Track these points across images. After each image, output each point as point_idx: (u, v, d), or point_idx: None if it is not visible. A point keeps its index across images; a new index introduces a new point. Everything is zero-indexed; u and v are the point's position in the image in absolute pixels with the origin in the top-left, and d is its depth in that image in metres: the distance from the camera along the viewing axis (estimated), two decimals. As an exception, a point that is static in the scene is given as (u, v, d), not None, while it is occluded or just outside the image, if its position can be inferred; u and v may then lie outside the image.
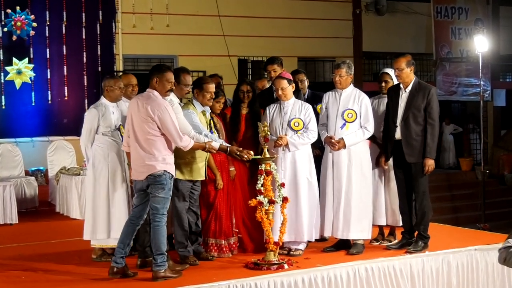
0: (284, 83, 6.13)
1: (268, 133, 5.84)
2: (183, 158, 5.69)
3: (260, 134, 5.83)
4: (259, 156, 5.71)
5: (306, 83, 6.99)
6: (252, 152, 5.66)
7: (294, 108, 6.16)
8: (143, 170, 5.22)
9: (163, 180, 5.19)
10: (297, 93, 6.57)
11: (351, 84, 6.32)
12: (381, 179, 6.54)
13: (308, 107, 6.17)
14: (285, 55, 6.92)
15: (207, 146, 5.50)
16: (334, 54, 14.94)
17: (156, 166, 5.18)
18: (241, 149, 5.66)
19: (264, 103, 6.44)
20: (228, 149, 5.63)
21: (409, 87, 6.16)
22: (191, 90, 5.86)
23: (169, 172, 5.24)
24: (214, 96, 5.91)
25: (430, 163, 6.05)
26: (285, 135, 6.08)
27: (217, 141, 5.65)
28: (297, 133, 6.08)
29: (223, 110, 6.41)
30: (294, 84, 6.24)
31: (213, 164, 6.02)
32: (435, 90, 6.17)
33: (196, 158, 5.76)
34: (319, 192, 6.21)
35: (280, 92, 6.14)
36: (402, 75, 6.18)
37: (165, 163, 5.22)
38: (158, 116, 5.16)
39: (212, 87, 5.87)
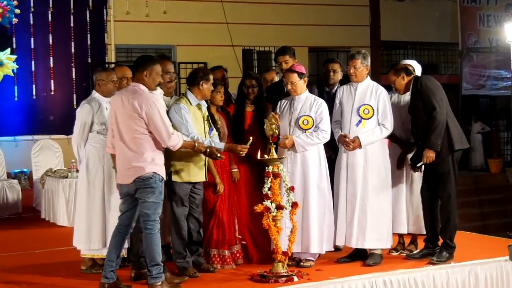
0: (294, 77, 6.15)
1: (276, 131, 5.86)
2: (180, 159, 5.70)
3: (266, 132, 5.84)
4: (266, 157, 5.71)
5: (339, 76, 6.97)
6: (246, 146, 5.69)
7: (305, 104, 6.18)
8: (129, 173, 5.19)
9: (152, 183, 5.16)
10: (322, 85, 6.58)
11: (368, 76, 6.33)
12: (402, 182, 6.55)
13: (321, 103, 6.17)
14: (295, 44, 6.91)
15: (196, 144, 5.49)
16: (349, 44, 14.92)
17: (145, 167, 5.16)
18: (235, 145, 5.75)
19: (274, 98, 6.47)
20: (225, 147, 5.71)
21: (410, 89, 6.27)
22: (175, 78, 5.90)
23: (159, 174, 5.21)
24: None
25: (427, 155, 6.06)
26: (291, 134, 6.11)
27: (205, 141, 5.66)
28: (305, 132, 6.09)
29: (226, 107, 6.43)
30: (306, 78, 6.25)
31: (213, 166, 6.03)
32: (424, 78, 6.24)
33: (195, 158, 5.76)
34: (333, 196, 6.22)
35: (290, 87, 6.16)
36: (397, 86, 6.39)
37: (154, 164, 5.20)
38: (146, 112, 5.13)
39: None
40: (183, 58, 13.24)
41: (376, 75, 13.10)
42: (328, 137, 6.13)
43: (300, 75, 6.17)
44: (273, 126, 5.83)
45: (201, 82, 5.81)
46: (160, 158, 5.28)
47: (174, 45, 13.67)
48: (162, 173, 5.27)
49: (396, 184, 6.48)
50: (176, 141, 5.30)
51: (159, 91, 5.74)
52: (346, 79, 6.53)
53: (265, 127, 5.88)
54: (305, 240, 6.04)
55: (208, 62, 12.19)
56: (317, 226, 6.06)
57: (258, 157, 5.70)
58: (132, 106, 5.15)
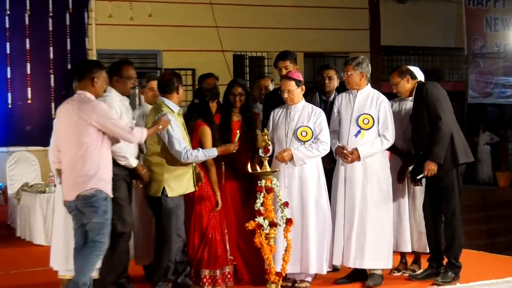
0: (292, 84, 6.17)
1: (269, 142, 5.86)
2: (170, 172, 5.78)
3: (259, 144, 5.84)
4: (258, 170, 5.69)
5: (336, 83, 7.01)
6: (235, 143, 5.87)
7: (303, 114, 6.20)
8: (73, 189, 5.19)
9: (94, 202, 5.14)
10: (318, 93, 6.61)
11: (368, 84, 6.37)
12: (404, 196, 6.58)
13: (320, 113, 6.20)
14: (289, 50, 6.90)
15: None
16: (347, 49, 14.96)
17: (87, 183, 5.14)
18: (227, 145, 5.92)
19: (273, 107, 6.46)
20: (218, 151, 5.91)
21: (411, 97, 6.31)
22: (136, 83, 6.04)
23: (102, 191, 5.19)
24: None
25: (429, 167, 6.08)
26: (288, 146, 6.12)
27: (194, 152, 5.83)
28: (304, 144, 6.12)
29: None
30: (304, 86, 6.27)
31: (215, 178, 6.11)
32: (430, 85, 6.25)
33: (186, 168, 5.86)
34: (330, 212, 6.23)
35: (286, 95, 6.18)
36: (400, 90, 6.40)
37: (98, 179, 5.17)
38: (97, 121, 5.16)
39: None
40: (169, 64, 13.22)
41: (376, 82, 13.10)
42: (328, 149, 6.16)
43: (298, 82, 6.19)
44: (266, 137, 5.81)
45: (178, 87, 5.90)
46: (106, 172, 5.25)
47: (160, 50, 13.67)
48: (108, 189, 5.24)
49: (398, 198, 6.50)
50: (139, 135, 5.38)
51: (117, 97, 5.78)
52: (343, 87, 6.57)
53: (257, 138, 5.86)
54: (304, 260, 6.05)
55: (196, 68, 12.25)
56: (316, 245, 6.07)
57: (250, 170, 5.70)
58: (78, 116, 5.17)
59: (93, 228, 5.15)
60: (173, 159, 5.76)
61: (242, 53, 14.57)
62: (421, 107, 6.16)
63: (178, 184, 5.80)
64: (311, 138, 6.12)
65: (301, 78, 6.27)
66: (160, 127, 5.60)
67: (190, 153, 5.73)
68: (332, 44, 15.25)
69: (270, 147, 5.97)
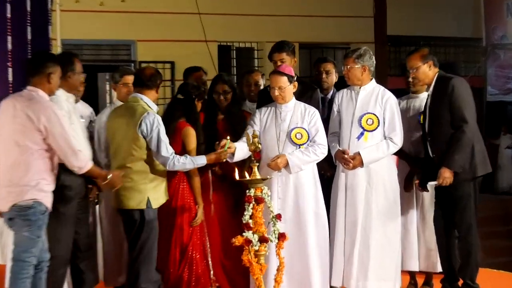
0: (283, 80, 6.17)
1: (259, 146, 5.84)
2: (153, 181, 5.84)
3: (248, 148, 5.85)
4: (247, 178, 5.70)
5: (334, 78, 7.07)
6: (224, 150, 5.88)
7: (295, 113, 6.23)
8: (8, 198, 5.16)
9: (30, 215, 5.12)
10: (316, 90, 6.65)
11: (372, 79, 6.41)
12: (412, 207, 6.62)
13: (314, 112, 6.24)
14: (282, 40, 6.90)
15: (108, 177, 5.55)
16: (348, 39, 14.99)
17: (26, 193, 5.12)
18: (216, 153, 5.91)
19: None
20: (207, 159, 5.89)
21: (431, 88, 6.30)
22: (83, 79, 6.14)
23: (42, 204, 5.19)
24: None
25: (445, 175, 6.09)
26: (282, 151, 6.15)
27: (181, 159, 5.86)
28: (299, 147, 6.14)
29: None
30: (296, 83, 6.28)
31: (199, 188, 6.19)
32: (458, 81, 6.25)
33: (162, 176, 5.92)
34: (329, 226, 6.27)
35: (277, 93, 6.19)
36: (420, 76, 6.33)
37: (39, 190, 5.16)
38: (45, 125, 5.16)
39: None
40: (145, 56, 13.21)
41: (382, 77, 13.11)
42: (326, 152, 6.19)
43: (290, 78, 6.19)
44: (256, 139, 5.80)
45: (159, 85, 5.96)
46: (48, 183, 5.26)
47: (134, 41, 13.58)
48: (47, 202, 5.24)
49: (405, 209, 6.55)
50: (83, 162, 5.35)
51: (64, 96, 5.82)
52: (343, 82, 6.62)
53: (246, 141, 5.87)
54: (305, 283, 6.08)
55: (175, 61, 12.21)
56: (319, 265, 6.11)
57: (237, 177, 5.69)
58: (26, 116, 5.15)
59: (21, 242, 5.11)
60: (155, 166, 5.82)
61: (228, 44, 14.54)
62: (442, 104, 6.14)
63: (158, 193, 5.88)
64: (307, 140, 6.15)
65: (293, 73, 6.28)
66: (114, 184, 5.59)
67: (177, 160, 5.77)
68: (331, 33, 15.21)
69: (262, 151, 6.05)
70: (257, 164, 5.74)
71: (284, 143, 6.15)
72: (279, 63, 6.54)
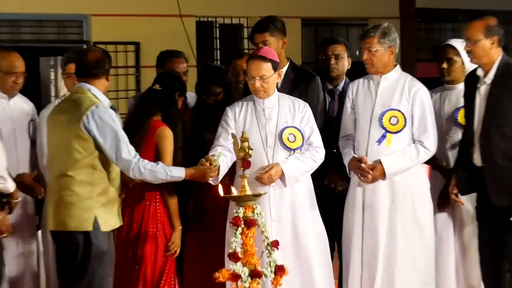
0: (266, 68, 6.12)
1: (250, 152, 5.79)
2: (101, 195, 5.80)
3: (236, 154, 5.86)
4: (235, 193, 5.68)
5: (346, 65, 7.09)
6: (215, 167, 5.93)
7: (282, 109, 6.24)
8: None
9: None
10: (314, 79, 6.64)
11: (397, 65, 6.42)
12: (449, 231, 6.61)
13: (305, 106, 6.25)
14: (280, 15, 6.82)
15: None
16: (365, 14, 15.05)
17: None
18: (201, 168, 5.93)
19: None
20: (187, 174, 5.94)
21: (491, 74, 6.18)
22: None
23: None
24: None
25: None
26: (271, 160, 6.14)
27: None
28: (293, 152, 6.12)
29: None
30: (281, 71, 6.34)
31: (176, 208, 6.20)
32: None
33: (116, 191, 5.94)
34: (340, 255, 6.49)
35: (258, 84, 6.13)
36: (477, 52, 6.16)
37: None
38: None
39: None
40: (101, 36, 13.13)
41: (409, 62, 13.19)
42: (323, 157, 6.21)
43: (275, 65, 6.16)
44: (246, 144, 5.77)
45: (109, 71, 5.95)
46: None
47: (87, 15, 13.54)
48: None
49: (440, 234, 6.57)
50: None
51: None
52: (358, 70, 6.59)
53: (233, 147, 5.79)
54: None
55: (141, 41, 12.16)
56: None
57: (221, 193, 5.73)
58: None
59: None
60: (106, 176, 5.79)
61: (210, 20, 14.58)
62: (507, 98, 6.06)
63: (110, 213, 5.86)
64: (301, 143, 6.16)
65: (277, 59, 6.25)
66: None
67: (145, 165, 5.72)
68: (344, 6, 15.15)
69: (254, 160, 5.93)
70: (247, 175, 5.72)
71: (274, 149, 6.15)
72: (261, 45, 6.57)
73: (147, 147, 6.04)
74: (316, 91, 6.61)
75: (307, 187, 6.21)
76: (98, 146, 5.69)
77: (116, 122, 5.73)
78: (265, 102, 6.17)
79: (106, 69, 5.91)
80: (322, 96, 6.72)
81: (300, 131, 6.13)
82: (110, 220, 5.82)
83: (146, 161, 5.75)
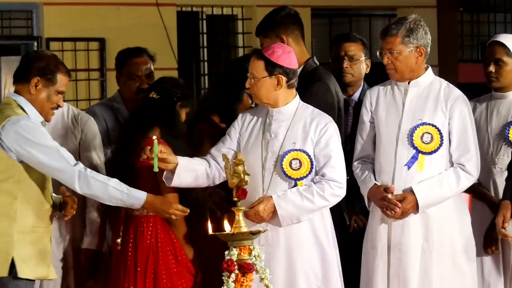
0: (257, 66, 6.22)
1: (247, 178, 5.86)
2: (22, 227, 5.81)
3: (229, 180, 5.90)
4: (228, 231, 5.76)
5: (363, 67, 7.23)
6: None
7: (295, 125, 6.31)
8: None
9: None
10: (318, 84, 6.69)
11: (428, 68, 6.50)
12: (499, 277, 6.67)
13: (327, 125, 6.28)
14: (283, 3, 6.93)
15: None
16: (393, 2, 14.93)
17: None
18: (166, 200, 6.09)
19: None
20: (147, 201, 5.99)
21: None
22: None
23: None
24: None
25: None
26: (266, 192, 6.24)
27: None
28: (296, 184, 6.20)
29: None
30: (283, 78, 6.27)
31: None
32: None
33: (45, 223, 5.94)
34: None
35: (247, 84, 6.30)
36: None
37: None
38: None
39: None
40: (55, 30, 13.25)
41: (449, 64, 13.06)
42: (342, 194, 6.24)
43: (272, 67, 6.21)
44: (240, 168, 5.83)
45: (43, 75, 5.94)
46: None
47: (38, 4, 13.60)
48: None
49: (488, 281, 6.64)
50: None
51: None
52: (378, 75, 6.75)
53: (225, 171, 5.89)
54: None
55: (107, 38, 12.24)
56: None
57: (210, 230, 5.80)
58: None
59: None
60: (26, 210, 5.81)
61: (194, 10, 14.67)
62: None
63: (37, 258, 5.86)
64: (308, 173, 6.20)
65: (283, 62, 6.25)
66: None
67: (94, 175, 5.80)
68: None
69: (248, 187, 5.96)
70: (242, 208, 5.83)
71: (272, 175, 6.24)
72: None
73: (145, 174, 6.21)
74: (314, 100, 6.61)
75: (322, 223, 6.24)
76: (17, 167, 5.77)
77: (35, 130, 5.80)
78: (274, 114, 6.29)
79: (34, 73, 5.94)
80: (331, 105, 6.68)
81: (309, 156, 6.18)
82: (34, 266, 5.83)
83: (95, 172, 5.89)
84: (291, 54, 6.28)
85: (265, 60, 6.18)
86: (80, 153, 6.72)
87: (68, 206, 5.86)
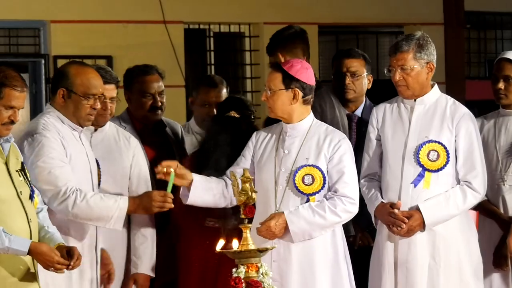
0: (274, 79, 6.29)
1: (254, 195, 5.79)
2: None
3: (236, 197, 5.80)
4: (235, 248, 5.71)
5: (365, 83, 7.22)
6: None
7: (309, 142, 6.36)
8: None
9: None
10: (339, 102, 6.80)
11: (434, 85, 6.55)
12: None
13: (340, 141, 6.33)
14: (294, 21, 6.95)
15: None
16: (400, 19, 14.95)
17: None
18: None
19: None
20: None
21: None
22: None
23: None
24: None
25: None
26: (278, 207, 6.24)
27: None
28: (308, 200, 6.25)
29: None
30: (300, 93, 6.34)
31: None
32: None
33: (17, 260, 5.61)
34: None
35: (263, 98, 6.38)
36: None
37: None
38: None
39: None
40: (63, 47, 13.23)
41: (456, 80, 13.00)
42: (355, 210, 6.29)
43: (290, 81, 6.27)
44: (247, 185, 5.82)
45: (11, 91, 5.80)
46: None
47: (46, 21, 13.58)
48: None
49: None
50: None
51: None
52: (381, 90, 6.75)
53: (232, 188, 5.88)
54: None
55: (114, 55, 12.22)
56: None
57: (218, 247, 5.74)
58: None
59: None
60: None
61: (202, 27, 14.64)
62: None
63: (14, 278, 5.64)
64: (321, 188, 6.25)
65: (301, 76, 6.32)
66: None
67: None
68: (372, 9, 15.05)
69: (261, 203, 6.09)
70: (249, 225, 5.74)
71: (285, 191, 6.29)
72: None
73: None
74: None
75: (332, 241, 6.27)
76: None
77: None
78: (288, 130, 6.33)
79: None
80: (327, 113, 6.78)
81: (322, 172, 6.23)
82: None
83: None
84: (309, 70, 6.36)
85: (283, 73, 6.25)
86: None
87: None
